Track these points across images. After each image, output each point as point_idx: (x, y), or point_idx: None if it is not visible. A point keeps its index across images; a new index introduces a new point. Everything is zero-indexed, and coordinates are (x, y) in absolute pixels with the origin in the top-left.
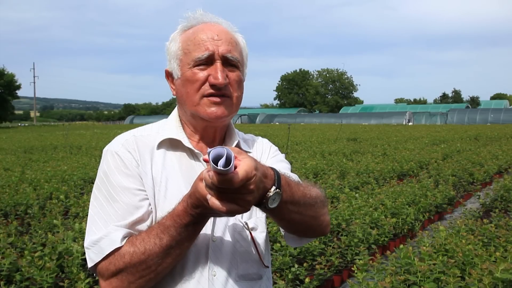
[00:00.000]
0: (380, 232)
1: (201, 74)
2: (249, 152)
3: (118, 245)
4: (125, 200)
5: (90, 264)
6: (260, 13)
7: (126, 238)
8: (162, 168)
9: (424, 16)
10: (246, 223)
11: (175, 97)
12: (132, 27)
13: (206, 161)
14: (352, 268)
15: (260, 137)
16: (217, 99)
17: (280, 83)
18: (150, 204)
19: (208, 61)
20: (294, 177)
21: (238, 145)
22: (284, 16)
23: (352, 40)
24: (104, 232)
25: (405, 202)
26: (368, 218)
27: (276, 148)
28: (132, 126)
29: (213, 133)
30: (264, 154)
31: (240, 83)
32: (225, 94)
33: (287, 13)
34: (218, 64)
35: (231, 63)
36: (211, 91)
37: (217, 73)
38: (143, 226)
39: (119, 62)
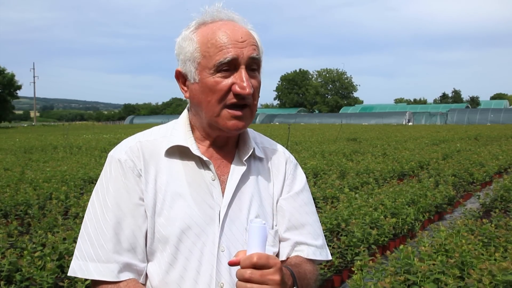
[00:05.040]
0: (380, 232)
1: (224, 82)
2: (261, 159)
3: (107, 278)
4: (116, 212)
5: (70, 273)
6: (261, 14)
7: (125, 271)
8: (168, 176)
9: (424, 16)
10: None
11: (178, 98)
12: (133, 27)
13: (236, 263)
14: (352, 268)
15: (282, 149)
16: (238, 113)
17: (280, 83)
18: (145, 215)
19: (231, 66)
20: (308, 241)
21: (253, 152)
22: (285, 16)
23: (352, 40)
24: (97, 252)
25: (405, 202)
26: (368, 218)
27: (298, 168)
28: (132, 126)
29: (225, 139)
30: (278, 176)
31: (259, 88)
32: (247, 103)
33: (287, 13)
34: (243, 71)
35: (253, 68)
36: (234, 100)
37: (243, 82)
38: (135, 243)
39: (119, 62)
